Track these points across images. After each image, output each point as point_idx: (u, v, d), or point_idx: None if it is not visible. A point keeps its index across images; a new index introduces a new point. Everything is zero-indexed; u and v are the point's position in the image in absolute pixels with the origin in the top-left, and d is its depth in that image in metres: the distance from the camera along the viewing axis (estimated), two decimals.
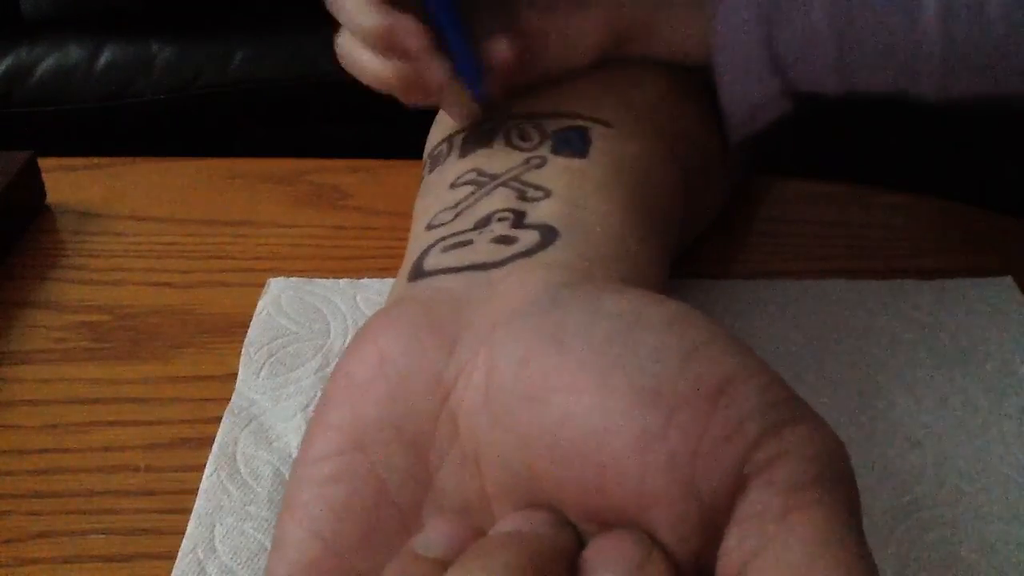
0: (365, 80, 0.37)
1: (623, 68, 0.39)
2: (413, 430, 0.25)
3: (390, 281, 0.42)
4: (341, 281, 0.43)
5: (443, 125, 0.39)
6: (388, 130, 0.90)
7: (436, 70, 0.35)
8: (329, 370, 0.38)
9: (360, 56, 0.36)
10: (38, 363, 0.40)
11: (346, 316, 0.41)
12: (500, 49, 0.36)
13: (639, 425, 0.22)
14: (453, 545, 0.24)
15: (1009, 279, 0.42)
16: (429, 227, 0.33)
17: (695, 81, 0.40)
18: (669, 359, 0.23)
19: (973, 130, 0.78)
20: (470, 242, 0.30)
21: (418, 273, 0.30)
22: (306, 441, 0.26)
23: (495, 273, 0.28)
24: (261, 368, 0.38)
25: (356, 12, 0.35)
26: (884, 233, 0.46)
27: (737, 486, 0.21)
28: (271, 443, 0.35)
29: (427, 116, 0.41)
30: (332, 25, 0.37)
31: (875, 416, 0.36)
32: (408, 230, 0.46)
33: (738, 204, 0.46)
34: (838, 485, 0.22)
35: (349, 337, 0.40)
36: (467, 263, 0.29)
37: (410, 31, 0.34)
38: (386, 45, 0.35)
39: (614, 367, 0.23)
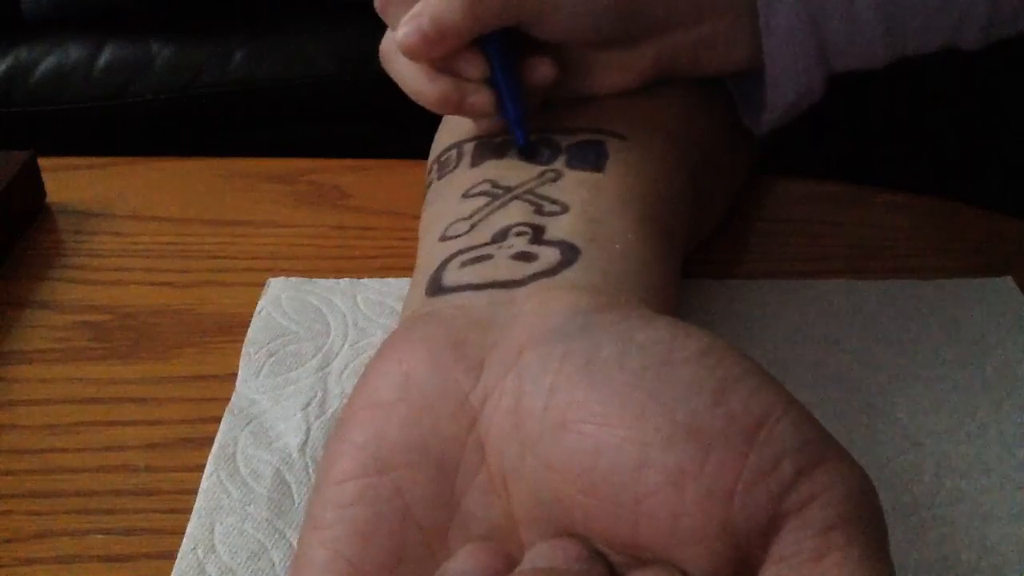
0: (404, 89, 0.37)
1: None
2: (439, 453, 0.25)
3: (390, 281, 0.42)
4: (341, 281, 0.43)
5: (451, 128, 0.39)
6: (388, 130, 0.90)
7: (485, 99, 0.35)
8: (329, 369, 0.38)
9: (404, 69, 0.36)
10: (38, 363, 0.40)
11: (346, 316, 0.41)
12: (542, 69, 0.36)
13: (676, 461, 0.22)
14: (487, 575, 0.24)
15: (1009, 279, 0.42)
16: (443, 238, 0.32)
17: (709, 92, 0.40)
18: (703, 394, 0.23)
19: (973, 130, 0.78)
20: (490, 257, 0.30)
21: (437, 288, 0.30)
22: (328, 459, 0.26)
23: (518, 292, 0.28)
24: (261, 368, 0.38)
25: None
26: (884, 233, 0.46)
27: (772, 525, 0.22)
28: (271, 443, 0.35)
29: (428, 116, 0.41)
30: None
31: (875, 416, 0.36)
32: (409, 230, 0.47)
33: (738, 204, 0.46)
34: (870, 524, 0.22)
35: (349, 337, 0.40)
36: (488, 280, 0.29)
37: (470, 59, 0.35)
38: (442, 65, 0.35)
39: (648, 401, 0.23)
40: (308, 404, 0.36)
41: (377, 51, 0.38)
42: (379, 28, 0.38)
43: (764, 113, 0.39)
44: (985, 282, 0.42)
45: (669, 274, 0.32)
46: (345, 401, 0.36)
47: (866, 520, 0.22)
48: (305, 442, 0.35)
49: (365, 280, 0.43)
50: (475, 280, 0.29)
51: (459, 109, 0.36)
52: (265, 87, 1.03)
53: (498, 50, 0.35)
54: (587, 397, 0.23)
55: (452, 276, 0.30)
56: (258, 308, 0.41)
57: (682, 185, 0.36)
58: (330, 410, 0.36)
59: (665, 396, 0.23)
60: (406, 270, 0.43)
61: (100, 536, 0.32)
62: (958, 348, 0.39)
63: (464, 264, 0.30)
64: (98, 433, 0.36)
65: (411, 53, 0.34)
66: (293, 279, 0.43)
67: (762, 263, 0.44)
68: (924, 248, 0.45)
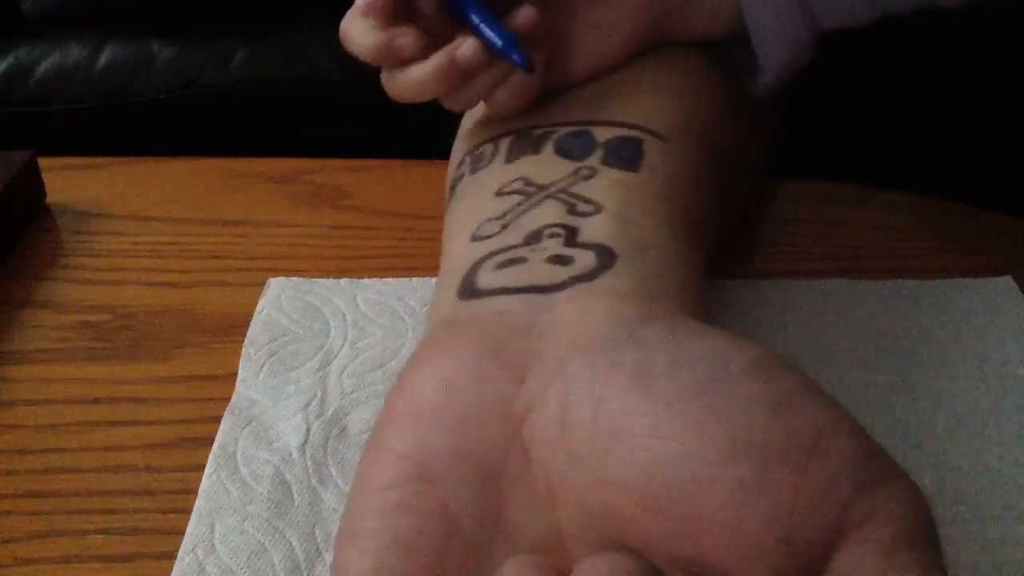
0: (363, 53, 0.35)
1: (681, 77, 0.38)
2: (483, 462, 0.25)
3: (390, 281, 0.42)
4: (341, 281, 0.43)
5: (474, 119, 0.38)
6: (388, 130, 0.90)
7: (470, 46, 0.34)
8: (329, 369, 0.38)
9: (359, 32, 0.35)
10: (38, 363, 0.40)
11: (346, 316, 0.41)
12: (524, 13, 0.35)
13: (736, 477, 0.22)
14: None
15: (1009, 279, 0.42)
16: (475, 238, 0.32)
17: (740, 95, 0.39)
18: (760, 409, 0.23)
19: (973, 130, 0.78)
20: (524, 260, 0.30)
21: (471, 291, 0.30)
22: (367, 466, 0.25)
23: (556, 297, 0.28)
24: (261, 368, 0.38)
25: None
26: (884, 233, 0.46)
27: (833, 542, 0.22)
28: (271, 443, 0.35)
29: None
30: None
31: (875, 416, 0.36)
32: (409, 230, 0.47)
33: None
34: (929, 544, 0.22)
35: (349, 337, 0.40)
36: (525, 284, 0.29)
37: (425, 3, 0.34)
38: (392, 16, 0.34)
39: (705, 414, 0.23)
40: (308, 404, 0.36)
41: None
42: None
43: (760, 75, 0.38)
44: (985, 282, 0.42)
45: (699, 280, 0.31)
46: (345, 400, 0.36)
47: (925, 538, 0.22)
48: (305, 442, 0.35)
49: (365, 280, 0.43)
50: (510, 284, 0.29)
51: (460, 69, 0.35)
52: (265, 87, 1.03)
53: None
54: (640, 409, 0.23)
55: (486, 279, 0.30)
56: (258, 308, 0.41)
57: (712, 191, 0.35)
58: (330, 410, 0.36)
59: (722, 410, 0.23)
60: (406, 270, 0.43)
61: (100, 536, 0.32)
62: (958, 348, 0.39)
63: (498, 267, 0.30)
64: (98, 433, 0.36)
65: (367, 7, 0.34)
66: (293, 279, 0.43)
67: (762, 263, 0.44)
68: (924, 248, 0.45)
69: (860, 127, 0.80)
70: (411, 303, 0.41)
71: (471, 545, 0.24)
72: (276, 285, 0.43)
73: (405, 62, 0.35)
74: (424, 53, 0.34)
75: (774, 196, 0.49)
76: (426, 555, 0.24)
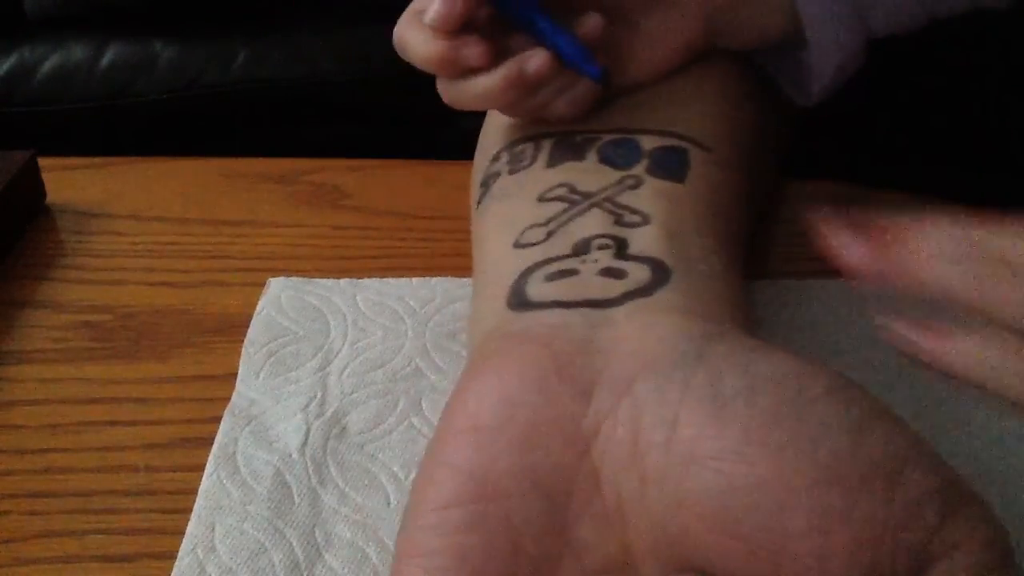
0: (427, 62, 0.34)
1: (720, 85, 0.38)
2: (550, 481, 0.24)
3: (390, 281, 0.42)
4: (341, 281, 0.43)
5: (502, 125, 0.38)
6: (388, 130, 0.90)
7: (542, 56, 0.33)
8: (329, 370, 0.38)
9: (421, 40, 0.34)
10: (38, 363, 0.40)
11: (346, 316, 0.41)
12: (591, 21, 0.34)
13: (822, 505, 0.22)
14: None
15: None
16: (518, 245, 0.32)
17: (769, 102, 0.39)
18: (841, 435, 0.23)
19: (973, 130, 0.78)
20: (575, 272, 0.29)
21: (522, 302, 0.29)
22: (426, 483, 0.25)
23: (614, 313, 0.28)
24: (261, 368, 0.38)
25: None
26: None
27: (918, 569, 0.22)
28: (271, 443, 0.35)
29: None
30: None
31: None
32: (409, 230, 0.47)
33: None
34: (1011, 568, 0.22)
35: (349, 337, 0.40)
36: (579, 298, 0.28)
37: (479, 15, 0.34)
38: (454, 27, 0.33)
39: (786, 440, 0.23)
40: (308, 404, 0.36)
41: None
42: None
43: (813, 81, 0.38)
44: None
45: (742, 294, 0.31)
46: (345, 400, 0.36)
47: (1008, 565, 0.22)
48: (305, 442, 0.35)
49: (365, 280, 0.43)
50: (564, 296, 0.29)
51: (530, 80, 0.34)
52: (266, 87, 1.03)
53: (528, 9, 0.34)
54: (716, 433, 0.23)
55: (537, 290, 0.29)
56: (258, 308, 0.41)
57: (747, 202, 0.35)
58: (330, 410, 0.36)
59: (802, 435, 0.23)
60: (406, 270, 0.43)
61: (100, 536, 0.32)
62: None
63: (549, 278, 0.30)
64: (98, 433, 0.36)
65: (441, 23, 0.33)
66: (293, 279, 0.43)
67: (762, 263, 0.44)
68: None
69: (860, 127, 0.80)
70: (411, 303, 0.41)
71: (537, 564, 0.24)
72: (276, 285, 0.43)
73: (470, 72, 0.34)
74: (490, 63, 0.34)
75: (774, 196, 0.49)
76: (491, 574, 0.24)
